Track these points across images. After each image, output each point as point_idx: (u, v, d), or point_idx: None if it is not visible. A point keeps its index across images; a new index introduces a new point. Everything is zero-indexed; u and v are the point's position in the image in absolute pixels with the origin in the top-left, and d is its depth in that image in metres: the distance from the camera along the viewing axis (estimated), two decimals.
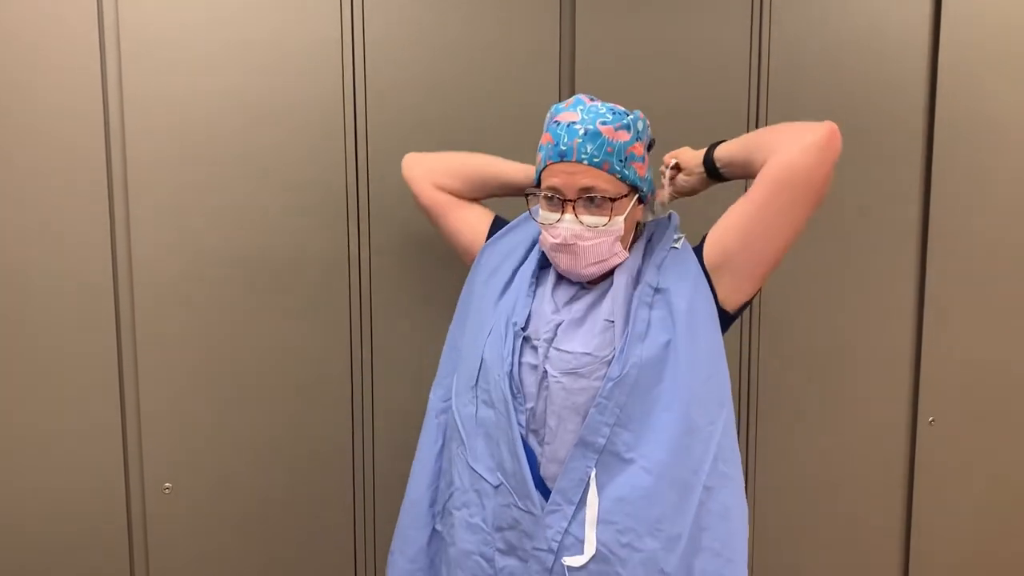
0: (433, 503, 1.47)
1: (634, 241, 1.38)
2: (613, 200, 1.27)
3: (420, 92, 1.75)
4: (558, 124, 1.28)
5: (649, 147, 1.35)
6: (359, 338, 1.78)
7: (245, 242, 1.70)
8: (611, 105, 1.31)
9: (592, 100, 1.31)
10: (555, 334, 1.32)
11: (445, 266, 1.80)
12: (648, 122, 1.35)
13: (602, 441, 1.25)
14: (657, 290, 1.30)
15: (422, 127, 1.75)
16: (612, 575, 1.24)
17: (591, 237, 1.27)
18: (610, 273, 1.34)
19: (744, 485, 1.34)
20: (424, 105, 1.76)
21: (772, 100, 1.92)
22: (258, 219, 1.70)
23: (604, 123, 1.26)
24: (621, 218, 1.29)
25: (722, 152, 1.36)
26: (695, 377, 1.27)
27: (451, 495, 1.41)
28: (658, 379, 1.26)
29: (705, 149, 1.40)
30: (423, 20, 1.74)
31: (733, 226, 1.30)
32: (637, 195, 1.32)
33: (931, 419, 2.11)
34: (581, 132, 1.26)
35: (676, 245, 1.35)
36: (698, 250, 1.34)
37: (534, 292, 1.39)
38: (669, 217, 1.41)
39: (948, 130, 2.01)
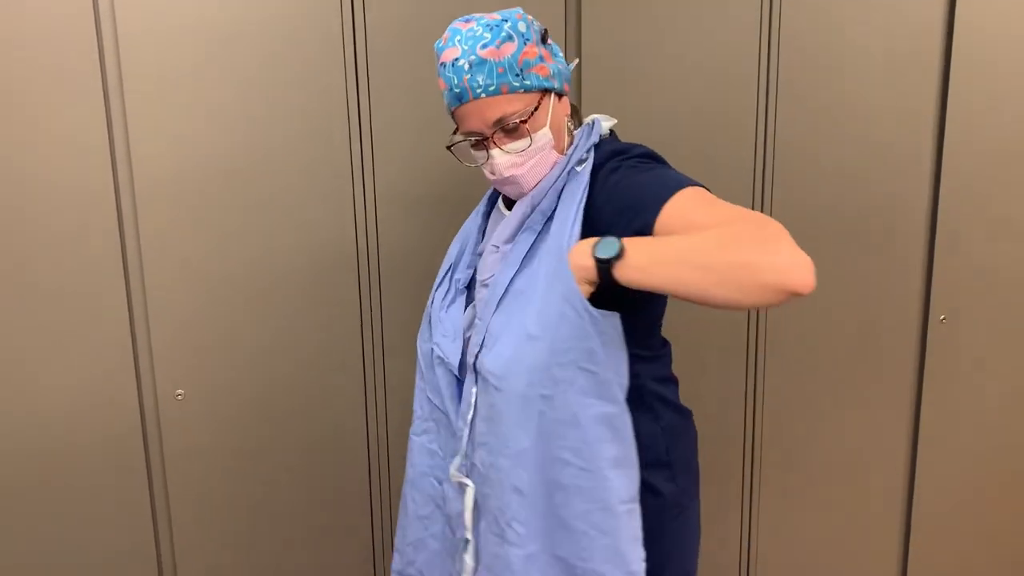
0: None
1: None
2: (526, 121, 1.21)
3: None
4: (444, 66, 1.21)
5: (543, 39, 1.24)
6: (365, 245, 1.79)
7: (246, 153, 1.68)
8: (486, 20, 1.21)
9: (468, 21, 1.22)
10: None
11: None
12: (528, 16, 1.23)
13: (473, 360, 1.27)
14: (548, 218, 1.23)
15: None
16: (492, 497, 1.24)
17: (524, 161, 1.23)
18: None
19: (610, 385, 1.15)
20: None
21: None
22: (262, 142, 1.69)
23: (485, 46, 1.18)
24: (544, 128, 1.23)
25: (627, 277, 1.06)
26: (550, 293, 1.14)
27: (413, 423, 1.47)
28: (522, 299, 1.20)
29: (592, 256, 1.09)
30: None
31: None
32: (552, 93, 1.24)
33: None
34: (466, 67, 1.18)
35: (578, 168, 1.24)
36: (631, 210, 1.12)
37: (481, 240, 1.40)
38: (592, 123, 1.29)
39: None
